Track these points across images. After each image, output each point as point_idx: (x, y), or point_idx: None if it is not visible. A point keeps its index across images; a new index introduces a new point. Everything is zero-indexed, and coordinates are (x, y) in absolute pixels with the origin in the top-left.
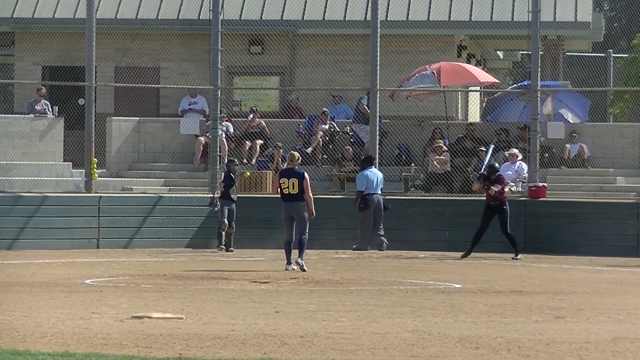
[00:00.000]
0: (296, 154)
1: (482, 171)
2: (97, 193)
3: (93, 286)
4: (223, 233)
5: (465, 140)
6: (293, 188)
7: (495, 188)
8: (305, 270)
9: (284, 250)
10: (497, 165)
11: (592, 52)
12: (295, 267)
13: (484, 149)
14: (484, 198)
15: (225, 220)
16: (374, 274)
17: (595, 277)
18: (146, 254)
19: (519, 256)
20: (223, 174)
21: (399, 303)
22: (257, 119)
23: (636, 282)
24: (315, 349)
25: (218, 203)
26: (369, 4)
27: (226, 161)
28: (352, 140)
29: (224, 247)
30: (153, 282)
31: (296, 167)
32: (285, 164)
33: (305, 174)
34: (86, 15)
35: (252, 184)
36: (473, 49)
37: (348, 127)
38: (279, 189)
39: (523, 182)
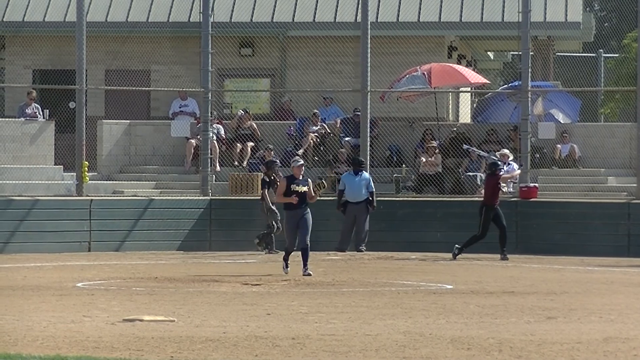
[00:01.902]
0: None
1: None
2: (88, 196)
3: (84, 289)
4: (273, 236)
5: (457, 141)
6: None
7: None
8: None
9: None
10: (499, 162)
11: (582, 52)
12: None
13: (474, 149)
14: (475, 199)
15: (274, 223)
16: (366, 276)
17: (587, 278)
18: (137, 257)
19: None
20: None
21: (391, 304)
22: (249, 122)
23: (627, 282)
24: (306, 351)
25: (272, 211)
26: (359, 6)
27: (265, 162)
28: (341, 142)
29: (276, 250)
30: (144, 285)
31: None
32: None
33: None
34: (76, 18)
35: (243, 186)
36: (463, 49)
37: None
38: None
39: (514, 183)
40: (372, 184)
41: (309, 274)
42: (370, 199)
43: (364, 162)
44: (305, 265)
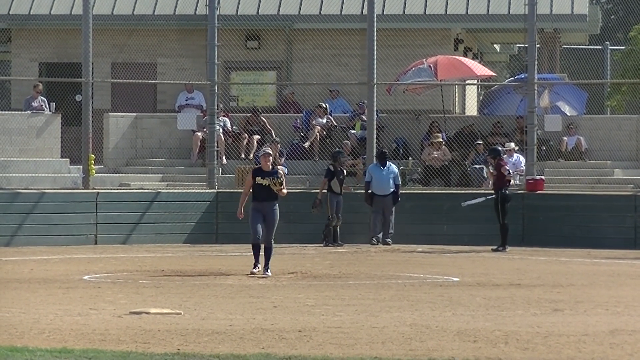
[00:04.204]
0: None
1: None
2: (95, 189)
3: (91, 282)
4: (331, 229)
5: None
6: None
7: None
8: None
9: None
10: (499, 148)
11: (589, 45)
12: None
13: (481, 142)
14: (481, 191)
15: (335, 214)
16: (372, 268)
17: (593, 270)
18: (144, 250)
19: (500, 248)
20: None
21: (397, 297)
22: (260, 117)
23: (634, 275)
24: (313, 344)
25: (321, 204)
26: None
27: (332, 153)
28: (347, 134)
29: (335, 243)
30: (151, 277)
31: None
32: (282, 159)
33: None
34: (82, 11)
35: None
36: (470, 42)
37: (358, 124)
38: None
39: (520, 175)
40: (399, 177)
41: (268, 275)
42: (396, 191)
43: (387, 154)
44: (266, 264)
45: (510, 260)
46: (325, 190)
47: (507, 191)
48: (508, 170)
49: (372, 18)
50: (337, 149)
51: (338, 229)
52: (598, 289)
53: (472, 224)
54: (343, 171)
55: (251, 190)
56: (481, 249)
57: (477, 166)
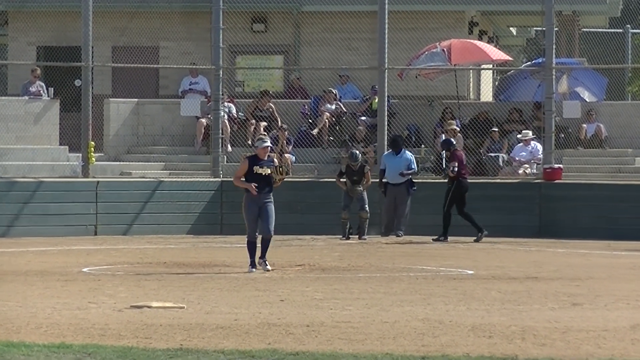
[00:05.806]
0: None
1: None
2: (95, 178)
3: (90, 275)
4: (345, 222)
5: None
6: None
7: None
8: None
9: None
10: (452, 140)
11: (609, 28)
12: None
13: (497, 130)
14: (497, 180)
15: (346, 208)
16: (383, 261)
17: (613, 262)
18: (146, 241)
19: (441, 238)
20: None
21: (409, 290)
22: (268, 103)
23: None
24: (321, 339)
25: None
26: None
27: (349, 152)
28: (358, 121)
29: (346, 237)
30: (153, 270)
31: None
32: (290, 147)
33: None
34: None
35: None
36: (485, 25)
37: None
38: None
39: (538, 164)
40: (414, 164)
41: (268, 270)
42: (407, 180)
43: (401, 140)
44: (263, 255)
45: (527, 252)
46: (345, 180)
47: (465, 180)
48: (452, 167)
49: (384, 0)
50: (352, 150)
51: (366, 223)
52: (618, 282)
53: (487, 214)
54: (363, 166)
55: (244, 179)
56: (496, 241)
57: (492, 154)
